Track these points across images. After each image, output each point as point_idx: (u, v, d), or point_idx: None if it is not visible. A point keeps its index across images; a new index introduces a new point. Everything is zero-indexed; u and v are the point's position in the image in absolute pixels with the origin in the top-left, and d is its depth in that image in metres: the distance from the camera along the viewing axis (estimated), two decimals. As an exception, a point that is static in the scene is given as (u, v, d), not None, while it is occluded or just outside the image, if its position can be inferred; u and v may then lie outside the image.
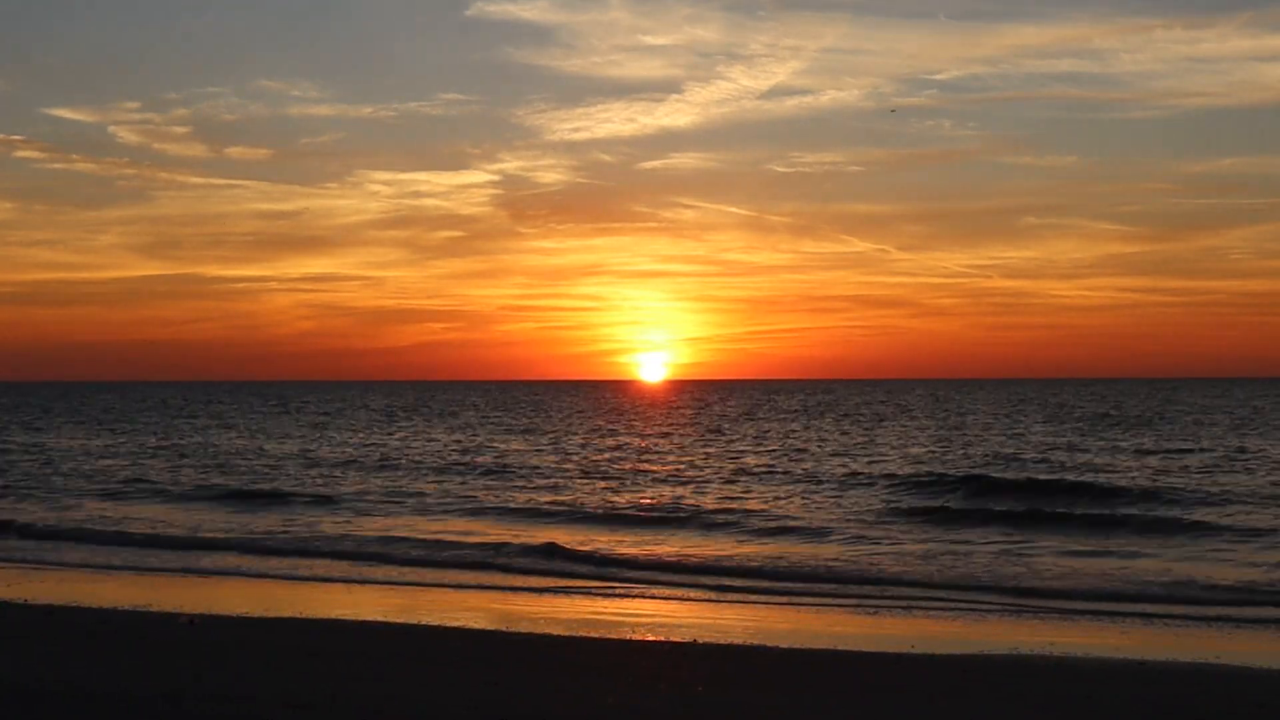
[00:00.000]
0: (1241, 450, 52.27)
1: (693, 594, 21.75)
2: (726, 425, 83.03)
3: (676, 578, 23.47)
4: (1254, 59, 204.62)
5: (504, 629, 17.22)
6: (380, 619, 18.15)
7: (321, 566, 25.03)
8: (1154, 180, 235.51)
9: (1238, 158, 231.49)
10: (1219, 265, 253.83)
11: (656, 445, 62.57)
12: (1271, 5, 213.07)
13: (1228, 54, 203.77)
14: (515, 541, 27.66)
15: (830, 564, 24.64)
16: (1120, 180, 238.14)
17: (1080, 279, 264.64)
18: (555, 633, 16.95)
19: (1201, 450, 52.40)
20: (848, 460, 49.83)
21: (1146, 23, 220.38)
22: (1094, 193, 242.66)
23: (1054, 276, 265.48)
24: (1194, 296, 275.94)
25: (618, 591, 21.95)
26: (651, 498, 37.33)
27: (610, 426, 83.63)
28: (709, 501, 35.75)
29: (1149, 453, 51.71)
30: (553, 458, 53.86)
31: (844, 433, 70.58)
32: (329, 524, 31.64)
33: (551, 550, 26.31)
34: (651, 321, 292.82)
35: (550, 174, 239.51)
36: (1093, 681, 13.58)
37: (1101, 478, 40.49)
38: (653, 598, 21.23)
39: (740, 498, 36.85)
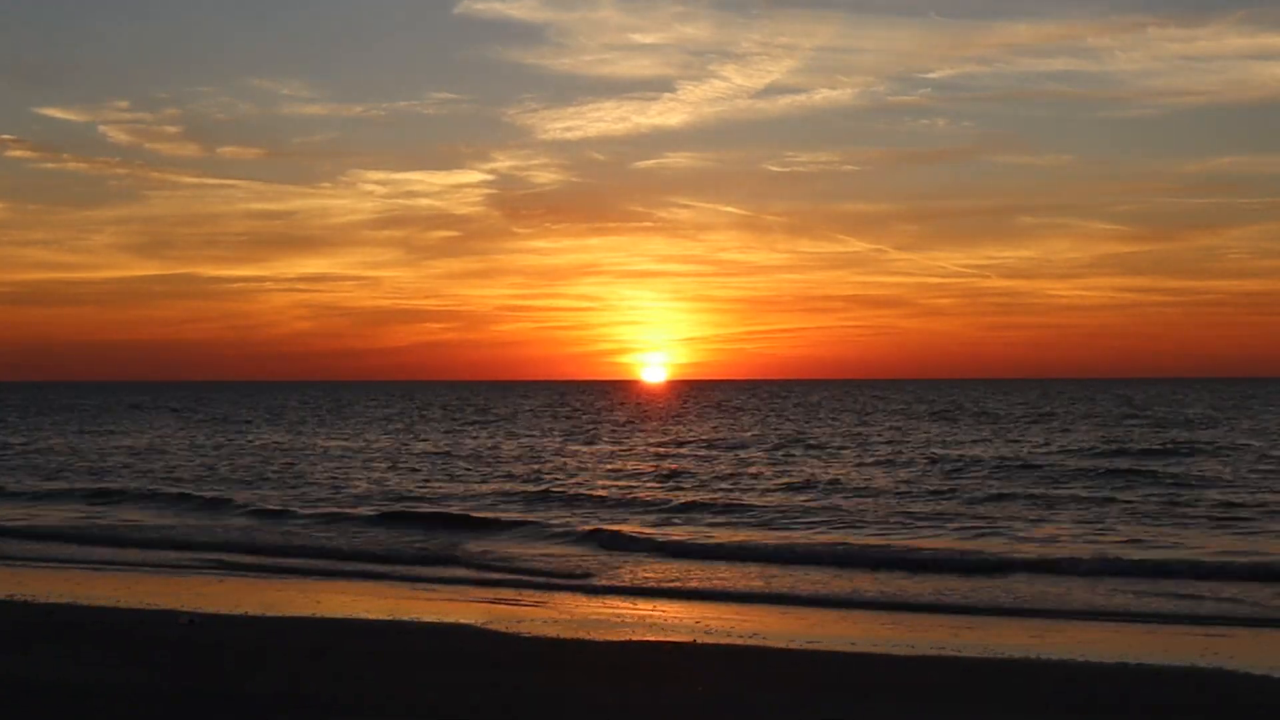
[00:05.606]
0: None
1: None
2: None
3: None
4: (1249, 57, 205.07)
5: (504, 629, 17.22)
6: (381, 618, 18.15)
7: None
8: (1151, 179, 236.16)
9: (1235, 156, 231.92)
10: (1217, 265, 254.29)
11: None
12: (1267, 3, 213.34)
13: (1223, 52, 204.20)
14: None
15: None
16: (1117, 179, 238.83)
17: (1077, 278, 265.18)
18: (555, 633, 16.95)
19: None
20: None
21: (1140, 20, 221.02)
22: (1090, 192, 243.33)
23: (1051, 276, 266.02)
24: (1192, 296, 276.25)
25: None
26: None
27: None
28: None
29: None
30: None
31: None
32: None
33: None
34: (649, 321, 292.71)
35: (544, 173, 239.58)
36: (1091, 682, 13.59)
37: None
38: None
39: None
